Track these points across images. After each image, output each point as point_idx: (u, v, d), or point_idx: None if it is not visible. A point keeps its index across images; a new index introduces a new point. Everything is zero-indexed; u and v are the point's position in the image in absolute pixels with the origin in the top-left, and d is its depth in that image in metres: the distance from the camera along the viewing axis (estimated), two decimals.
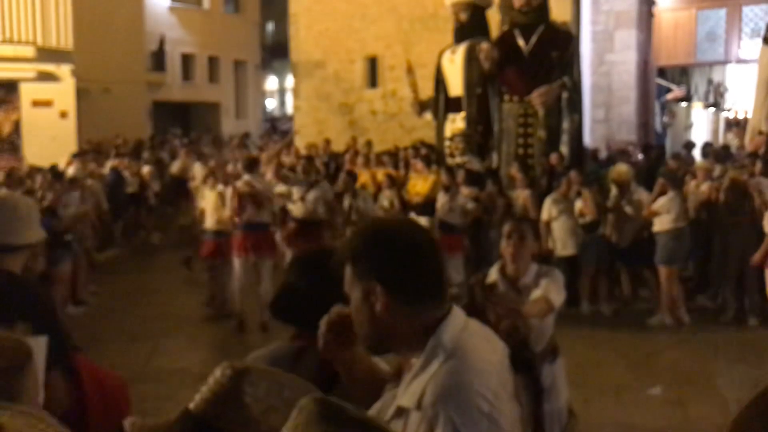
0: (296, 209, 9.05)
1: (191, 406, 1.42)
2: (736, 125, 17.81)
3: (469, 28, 11.17)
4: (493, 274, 4.22)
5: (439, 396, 1.56)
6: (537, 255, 4.44)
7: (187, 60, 26.60)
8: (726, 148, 13.87)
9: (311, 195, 8.95)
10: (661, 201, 8.32)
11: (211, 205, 8.91)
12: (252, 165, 8.86)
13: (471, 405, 1.55)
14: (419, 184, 10.19)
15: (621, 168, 9.20)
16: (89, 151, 15.95)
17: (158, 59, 24.97)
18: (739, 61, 16.08)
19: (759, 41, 11.38)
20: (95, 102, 20.75)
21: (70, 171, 11.86)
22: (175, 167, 14.25)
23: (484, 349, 1.69)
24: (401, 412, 1.62)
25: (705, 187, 8.78)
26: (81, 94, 18.56)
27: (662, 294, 8.35)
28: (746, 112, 17.28)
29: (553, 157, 10.15)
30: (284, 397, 1.39)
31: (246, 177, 8.48)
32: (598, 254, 8.76)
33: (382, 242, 1.70)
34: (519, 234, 4.10)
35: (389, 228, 1.80)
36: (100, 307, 9.40)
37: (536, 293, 4.00)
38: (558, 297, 3.98)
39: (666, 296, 8.30)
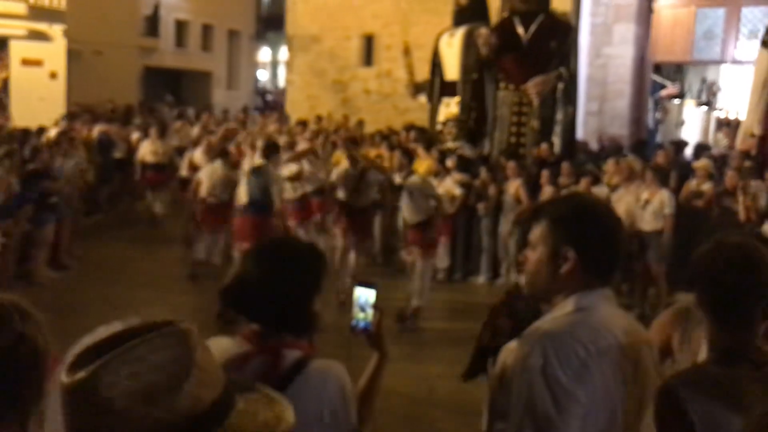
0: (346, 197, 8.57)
1: None
2: (727, 125, 17.85)
3: (469, 12, 11.13)
4: None
5: (547, 330, 1.87)
6: None
7: (181, 26, 26.29)
8: (708, 147, 13.92)
9: (364, 184, 8.50)
10: (663, 200, 8.30)
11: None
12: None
13: (567, 345, 1.81)
14: (419, 169, 10.12)
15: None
16: (77, 113, 15.76)
17: (152, 24, 24.65)
18: (735, 61, 16.09)
19: (756, 43, 11.39)
20: (86, 64, 20.47)
21: (52, 133, 11.75)
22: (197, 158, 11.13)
23: (610, 324, 1.88)
24: (523, 339, 1.92)
25: (706, 187, 8.73)
26: (72, 55, 18.30)
27: (660, 291, 8.38)
28: (737, 113, 17.34)
29: (543, 148, 10.16)
30: (148, 381, 1.23)
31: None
32: None
33: (590, 220, 1.94)
34: None
35: (596, 206, 2.07)
36: (83, 273, 9.34)
37: None
38: None
39: (663, 293, 8.35)
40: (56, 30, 17.03)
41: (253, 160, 9.41)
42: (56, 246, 9.29)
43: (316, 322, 2.18)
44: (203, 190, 9.17)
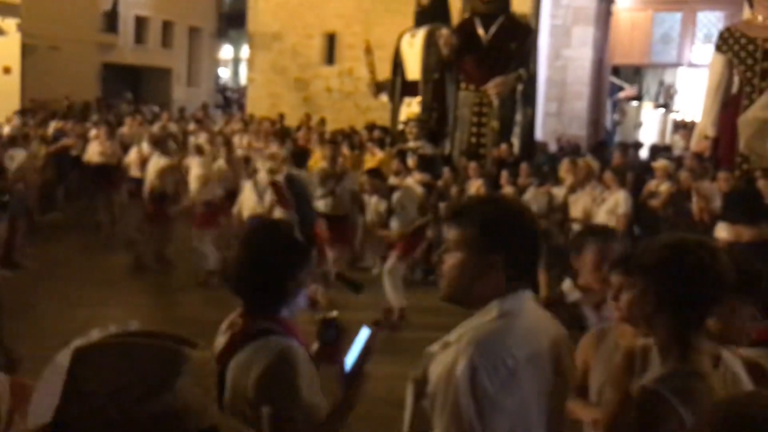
0: (324, 205, 8.17)
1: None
2: (684, 127, 18.21)
3: (431, 13, 11.18)
4: None
5: (474, 338, 1.81)
6: None
7: (140, 23, 25.95)
8: (668, 148, 14.18)
9: (340, 188, 8.19)
10: (619, 200, 8.37)
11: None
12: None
13: (495, 354, 1.78)
14: (372, 164, 10.11)
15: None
16: (31, 109, 15.45)
17: (111, 20, 24.29)
18: (691, 65, 16.44)
19: (711, 47, 11.62)
20: (42, 60, 20.06)
21: (7, 129, 11.51)
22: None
23: (534, 327, 1.89)
24: (446, 345, 1.89)
25: (665, 187, 8.85)
26: (27, 50, 17.95)
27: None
28: (694, 115, 17.70)
29: (502, 149, 10.25)
30: (137, 373, 1.22)
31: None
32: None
33: (518, 225, 1.90)
34: None
35: (522, 210, 2.00)
36: (39, 271, 9.15)
37: None
38: None
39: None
40: (10, 24, 16.70)
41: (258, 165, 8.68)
42: (9, 244, 9.10)
43: (289, 300, 2.28)
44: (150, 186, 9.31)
